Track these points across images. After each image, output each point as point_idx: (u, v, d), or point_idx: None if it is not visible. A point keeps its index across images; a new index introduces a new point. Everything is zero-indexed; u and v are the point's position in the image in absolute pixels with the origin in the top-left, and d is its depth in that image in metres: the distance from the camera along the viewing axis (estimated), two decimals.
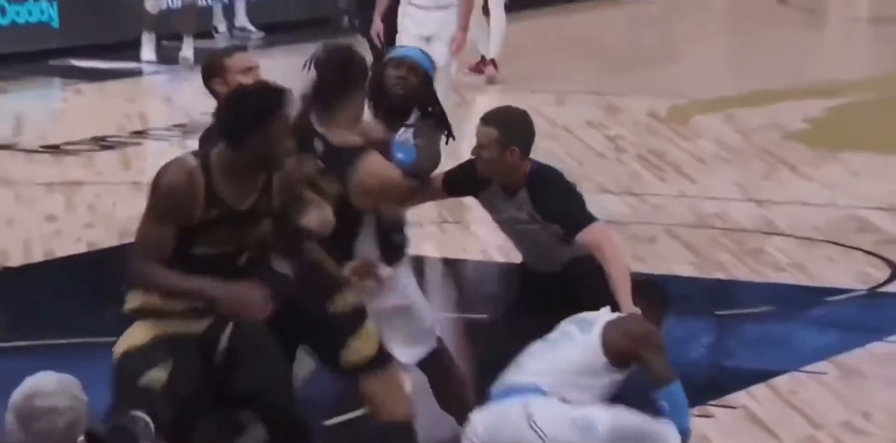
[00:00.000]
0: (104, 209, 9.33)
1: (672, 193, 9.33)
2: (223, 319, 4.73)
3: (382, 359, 5.08)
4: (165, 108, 11.69)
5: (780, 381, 6.37)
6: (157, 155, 10.29)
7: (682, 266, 7.86)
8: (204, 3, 14.88)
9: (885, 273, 7.89)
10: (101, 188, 9.82)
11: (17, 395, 3.45)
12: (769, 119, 11.27)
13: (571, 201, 5.23)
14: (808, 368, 6.57)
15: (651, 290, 5.26)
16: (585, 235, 5.11)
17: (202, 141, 5.19)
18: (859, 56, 14.62)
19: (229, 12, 15.15)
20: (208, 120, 5.28)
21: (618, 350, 5.01)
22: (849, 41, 15.45)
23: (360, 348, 5.01)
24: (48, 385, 3.46)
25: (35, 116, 11.69)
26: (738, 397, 6.25)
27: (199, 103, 10.94)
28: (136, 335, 4.71)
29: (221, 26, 15.08)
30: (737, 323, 7.43)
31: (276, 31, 15.04)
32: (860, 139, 9.53)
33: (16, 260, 8.20)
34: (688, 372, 6.58)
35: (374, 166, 5.15)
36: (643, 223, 8.52)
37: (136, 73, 13.01)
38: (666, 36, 15.87)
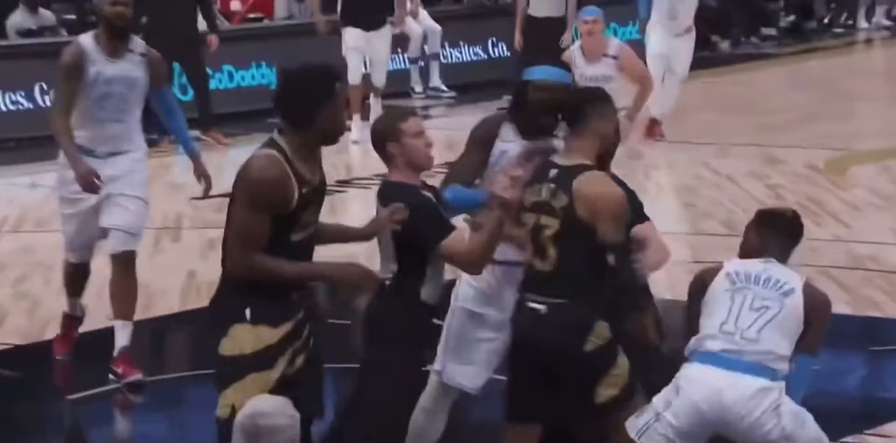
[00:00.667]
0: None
1: (827, 237, 9.20)
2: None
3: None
4: (365, 159, 11.86)
5: None
6: (359, 200, 10.47)
7: (837, 305, 7.74)
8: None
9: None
10: None
11: (242, 417, 3.44)
12: None
13: (636, 198, 5.24)
14: None
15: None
16: (641, 228, 5.14)
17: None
18: None
19: (425, 75, 15.33)
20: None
21: (810, 317, 4.87)
22: None
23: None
24: (267, 407, 3.45)
25: None
26: (894, 427, 6.15)
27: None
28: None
29: (418, 87, 15.25)
30: (890, 358, 7.30)
31: (467, 91, 15.18)
32: None
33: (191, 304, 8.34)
34: (844, 403, 6.51)
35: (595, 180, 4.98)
36: (801, 265, 8.42)
37: None
38: (824, 92, 15.65)
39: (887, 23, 19.08)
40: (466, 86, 15.27)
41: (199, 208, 10.22)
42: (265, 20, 15.19)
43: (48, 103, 12.70)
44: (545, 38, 12.22)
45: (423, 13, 15.30)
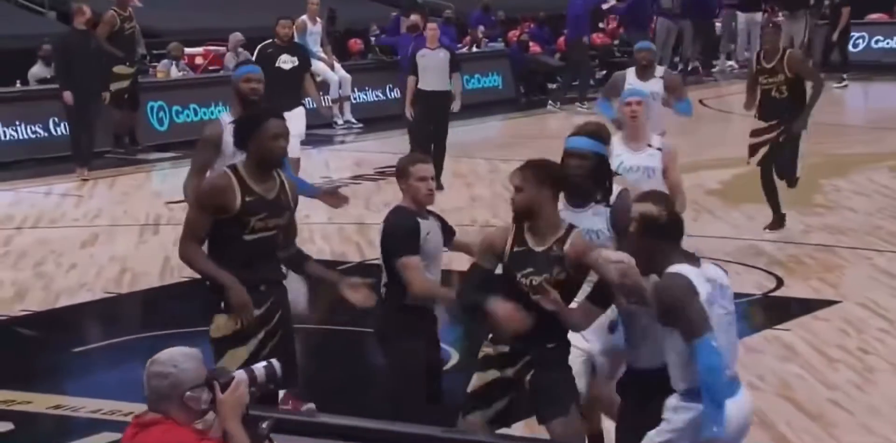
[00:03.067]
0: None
1: None
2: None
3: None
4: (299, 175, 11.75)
5: None
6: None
7: None
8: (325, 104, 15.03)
9: (773, 283, 7.82)
10: None
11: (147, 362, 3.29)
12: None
13: None
14: None
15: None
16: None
17: None
18: None
19: (341, 111, 15.23)
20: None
21: None
22: None
23: None
24: (162, 356, 3.23)
25: None
26: None
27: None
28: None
29: (339, 120, 15.17)
30: None
31: (372, 124, 15.10)
32: (753, 195, 9.48)
33: None
34: None
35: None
36: None
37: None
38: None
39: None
40: (371, 119, 15.20)
41: (174, 210, 10.10)
42: (220, 70, 15.03)
43: (60, 132, 12.51)
44: (433, 107, 10.87)
45: (338, 65, 15.30)
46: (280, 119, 4.59)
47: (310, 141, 12.81)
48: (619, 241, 4.37)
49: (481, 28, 17.99)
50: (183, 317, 6.98)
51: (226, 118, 5.99)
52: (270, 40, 10.47)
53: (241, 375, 3.31)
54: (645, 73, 8.36)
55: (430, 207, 4.69)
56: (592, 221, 4.50)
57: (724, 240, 8.89)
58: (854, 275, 7.80)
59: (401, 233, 4.51)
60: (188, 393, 3.22)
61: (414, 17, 12.28)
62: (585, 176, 4.46)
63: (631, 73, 8.42)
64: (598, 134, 4.55)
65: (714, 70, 19.50)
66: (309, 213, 10.59)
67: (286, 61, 10.20)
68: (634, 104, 6.05)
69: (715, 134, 14.16)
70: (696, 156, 12.22)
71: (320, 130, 14.44)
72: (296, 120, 10.04)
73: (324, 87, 15.10)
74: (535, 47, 17.61)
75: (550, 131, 14.27)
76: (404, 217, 4.55)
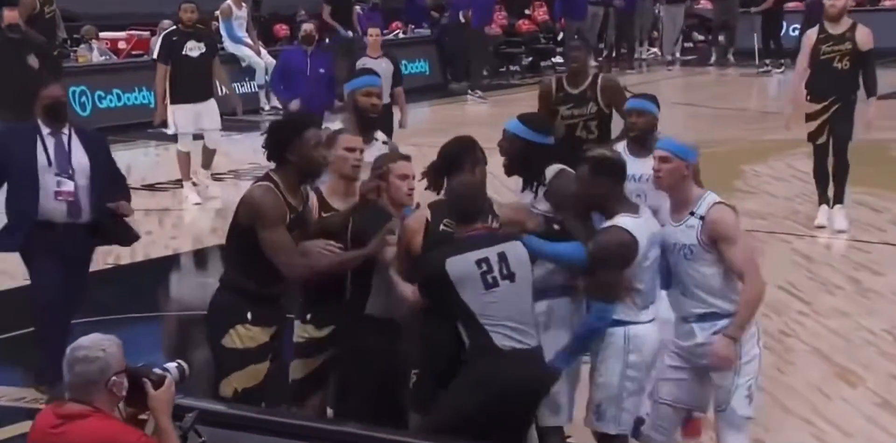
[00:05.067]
0: (184, 227, 9.25)
1: None
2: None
3: None
4: (225, 160, 11.64)
5: None
6: (216, 190, 10.24)
7: None
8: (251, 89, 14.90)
9: None
10: (182, 212, 9.75)
11: (67, 349, 3.23)
12: None
13: None
14: None
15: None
16: None
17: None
18: None
19: (268, 97, 15.08)
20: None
21: None
22: None
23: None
24: (85, 341, 3.21)
25: (138, 166, 11.64)
26: None
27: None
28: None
29: (266, 106, 15.02)
30: None
31: None
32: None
33: (125, 260, 8.15)
34: None
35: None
36: None
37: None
38: None
39: (594, 63, 19.47)
40: None
41: None
42: (144, 55, 14.79)
43: None
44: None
45: (264, 52, 15.14)
46: (317, 127, 4.35)
47: (236, 127, 12.70)
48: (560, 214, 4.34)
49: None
50: (106, 304, 6.88)
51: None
52: (174, 27, 10.03)
53: (172, 371, 3.33)
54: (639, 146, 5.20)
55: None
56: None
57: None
58: (773, 259, 7.93)
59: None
60: (114, 378, 3.20)
61: (307, 27, 10.03)
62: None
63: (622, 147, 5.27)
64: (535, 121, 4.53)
65: (637, 57, 19.69)
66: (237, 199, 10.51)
67: (193, 48, 9.72)
68: (659, 160, 4.34)
69: None
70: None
71: (246, 116, 14.30)
72: (211, 112, 9.76)
73: (250, 73, 15.01)
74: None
75: (479, 117, 14.31)
76: (373, 215, 4.32)
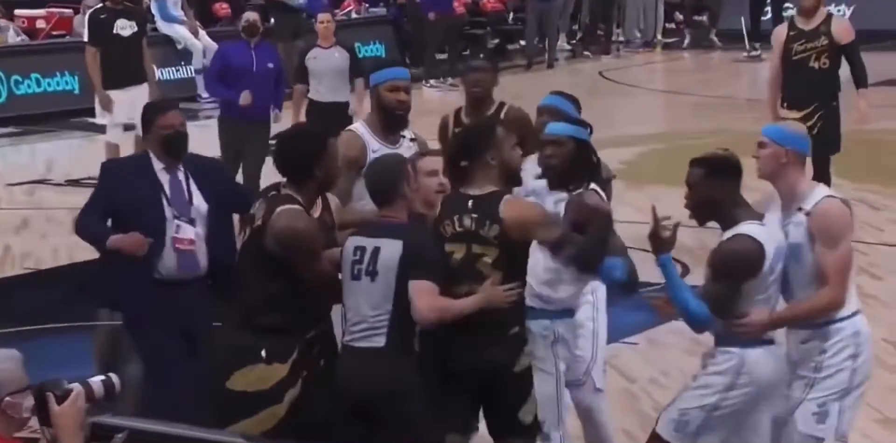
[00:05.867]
0: None
1: None
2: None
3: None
4: None
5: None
6: None
7: None
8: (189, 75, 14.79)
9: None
10: None
11: None
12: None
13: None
14: (625, 339, 6.59)
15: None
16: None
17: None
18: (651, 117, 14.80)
19: None
20: None
21: None
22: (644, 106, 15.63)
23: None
24: None
25: (61, 160, 11.52)
26: None
27: None
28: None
29: (204, 93, 14.92)
30: None
31: None
32: (658, 175, 9.67)
33: (47, 264, 8.10)
34: None
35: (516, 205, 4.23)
36: None
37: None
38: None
39: (568, 46, 19.56)
40: None
41: (14, 193, 9.85)
42: (67, 36, 14.63)
43: None
44: (332, 124, 9.99)
45: (202, 32, 15.02)
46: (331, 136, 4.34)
47: None
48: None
49: None
50: (23, 313, 6.84)
51: (362, 131, 5.08)
52: (101, 4, 9.92)
53: (77, 387, 3.23)
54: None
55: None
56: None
57: (628, 224, 9.03)
58: None
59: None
60: (7, 399, 3.14)
61: (251, 16, 9.21)
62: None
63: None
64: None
65: (615, 40, 19.78)
66: None
67: (124, 27, 9.62)
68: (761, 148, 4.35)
69: (616, 109, 14.37)
70: (596, 133, 12.40)
71: (182, 104, 14.20)
72: (144, 99, 9.29)
73: (186, 56, 14.89)
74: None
75: (443, 106, 14.32)
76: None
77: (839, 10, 18.41)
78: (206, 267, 4.87)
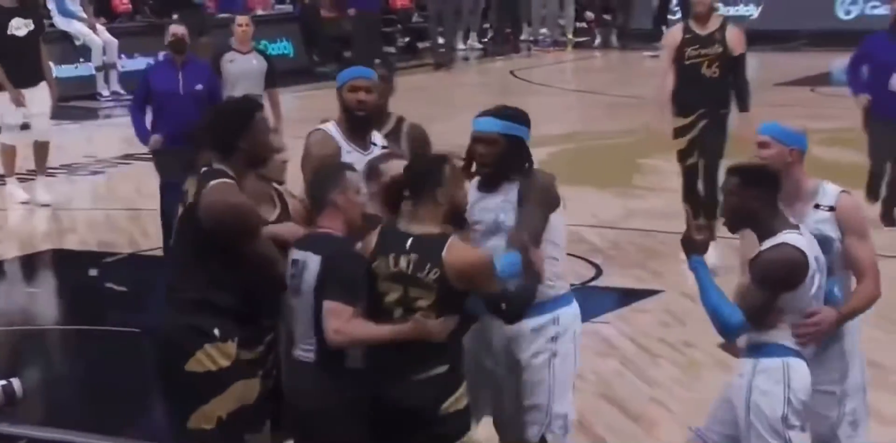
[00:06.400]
0: (9, 229, 8.93)
1: None
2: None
3: None
4: (58, 153, 11.37)
5: None
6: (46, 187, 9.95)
7: None
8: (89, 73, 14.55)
9: (591, 272, 7.99)
10: (6, 213, 9.40)
11: None
12: None
13: None
14: None
15: None
16: None
17: None
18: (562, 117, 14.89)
19: (107, 81, 14.79)
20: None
21: None
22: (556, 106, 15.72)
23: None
24: None
25: None
26: None
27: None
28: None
29: (105, 92, 14.70)
30: None
31: None
32: (569, 175, 9.72)
33: None
34: None
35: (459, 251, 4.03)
36: None
37: None
38: (429, 99, 15.94)
39: (478, 45, 19.63)
40: None
41: None
42: None
43: None
44: None
45: (101, 28, 14.80)
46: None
47: (69, 115, 12.40)
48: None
49: None
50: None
51: (333, 132, 5.04)
52: None
53: None
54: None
55: None
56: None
57: None
58: (676, 262, 8.02)
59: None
60: None
61: (177, 30, 8.33)
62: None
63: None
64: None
65: (525, 39, 19.88)
66: (72, 197, 10.25)
67: (19, 26, 9.39)
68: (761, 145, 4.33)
69: (527, 109, 14.40)
70: None
71: (81, 103, 14.00)
72: (41, 97, 9.42)
73: (85, 53, 14.66)
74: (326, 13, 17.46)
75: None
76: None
77: (747, 11, 18.76)
78: None
